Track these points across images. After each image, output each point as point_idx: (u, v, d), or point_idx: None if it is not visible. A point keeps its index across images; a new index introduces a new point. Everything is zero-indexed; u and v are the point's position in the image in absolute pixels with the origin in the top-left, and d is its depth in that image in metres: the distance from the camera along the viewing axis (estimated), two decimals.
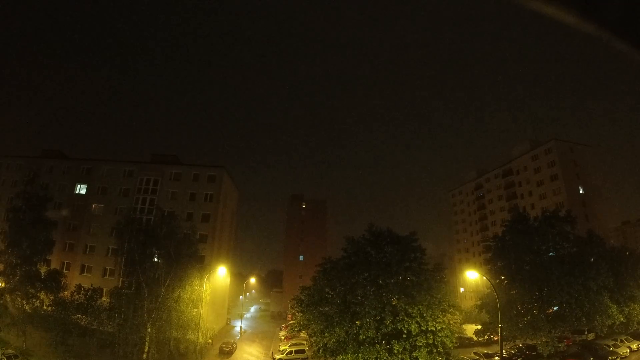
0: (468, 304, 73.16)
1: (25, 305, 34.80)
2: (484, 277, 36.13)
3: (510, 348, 38.34)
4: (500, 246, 40.55)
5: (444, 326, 27.41)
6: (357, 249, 31.06)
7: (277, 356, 41.16)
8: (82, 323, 38.01)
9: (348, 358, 26.96)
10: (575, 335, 40.42)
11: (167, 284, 35.06)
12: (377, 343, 27.40)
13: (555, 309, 36.38)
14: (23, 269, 35.58)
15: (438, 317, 27.43)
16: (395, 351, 26.27)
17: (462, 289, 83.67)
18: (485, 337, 41.74)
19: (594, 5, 2.38)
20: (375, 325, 27.24)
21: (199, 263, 42.30)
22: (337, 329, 27.81)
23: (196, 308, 37.19)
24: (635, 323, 41.14)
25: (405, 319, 26.64)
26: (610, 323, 37.09)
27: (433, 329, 26.69)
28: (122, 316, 34.67)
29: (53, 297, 36.84)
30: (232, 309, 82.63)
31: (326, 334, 28.33)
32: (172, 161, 59.58)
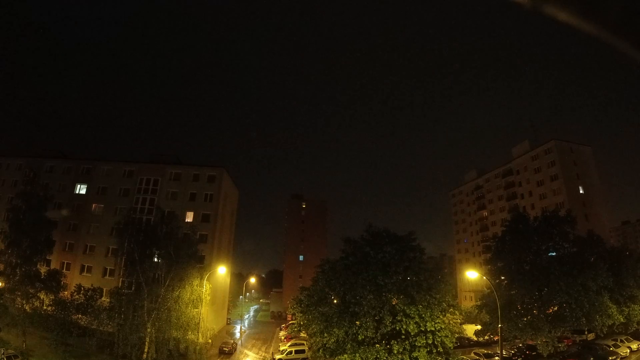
0: (468, 304, 73.15)
1: (25, 305, 34.74)
2: (484, 277, 36.14)
3: (510, 348, 38.33)
4: (500, 246, 40.53)
5: (443, 326, 27.35)
6: (355, 249, 31.02)
7: (277, 356, 41.16)
8: (82, 323, 38.00)
9: (347, 358, 26.94)
10: (575, 335, 40.42)
11: (167, 284, 35.02)
12: (377, 343, 27.39)
13: (555, 309, 36.37)
14: (23, 269, 35.51)
15: (437, 317, 27.37)
16: (395, 351, 26.24)
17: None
18: (486, 337, 41.71)
19: (594, 5, 2.38)
20: (374, 325, 27.23)
21: (199, 263, 42.27)
22: (336, 330, 27.80)
23: (196, 308, 37.13)
24: (635, 323, 41.11)
25: (404, 319, 26.61)
26: (610, 323, 37.04)
27: (432, 329, 26.64)
28: (122, 316, 34.58)
29: (53, 297, 36.83)
30: (232, 309, 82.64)
31: (325, 334, 28.32)
32: (172, 161, 59.56)
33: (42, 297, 36.15)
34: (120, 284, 41.26)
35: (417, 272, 29.13)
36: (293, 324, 39.58)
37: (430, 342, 26.37)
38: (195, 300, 36.96)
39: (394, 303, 27.93)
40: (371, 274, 28.71)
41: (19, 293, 35.00)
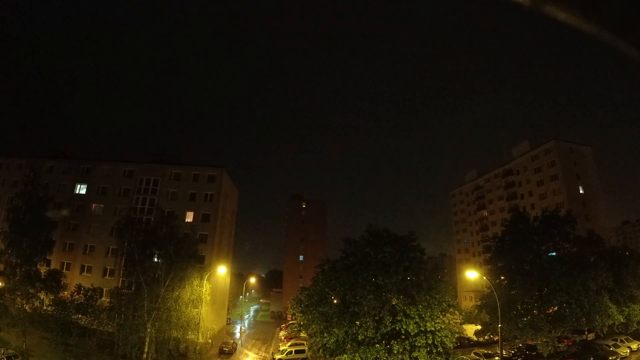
0: (468, 304, 73.16)
1: (25, 305, 34.72)
2: (484, 277, 36.16)
3: (510, 348, 38.32)
4: (500, 246, 40.53)
5: (443, 326, 27.36)
6: (355, 249, 31.02)
7: (277, 356, 41.15)
8: (82, 323, 37.97)
9: (347, 358, 26.93)
10: (575, 335, 40.42)
11: (167, 284, 35.01)
12: (377, 343, 27.38)
13: (555, 309, 36.37)
14: (23, 269, 35.52)
15: (437, 317, 27.37)
16: (395, 351, 26.24)
17: None
18: (486, 337, 41.70)
19: (594, 5, 2.38)
20: (374, 325, 27.22)
21: (199, 263, 42.25)
22: (336, 330, 27.79)
23: (196, 308, 37.13)
24: (635, 323, 41.11)
25: (404, 319, 26.61)
26: (610, 323, 37.06)
27: (432, 329, 26.64)
28: (122, 316, 34.59)
29: (53, 297, 36.81)
30: (232, 309, 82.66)
31: (325, 334, 28.31)
32: (172, 161, 59.53)
33: (42, 297, 36.14)
34: (120, 284, 41.28)
35: (417, 272, 29.12)
36: (293, 324, 39.61)
37: (430, 342, 26.37)
38: (195, 300, 36.96)
39: (394, 303, 27.91)
40: (371, 274, 28.69)
41: (19, 293, 34.98)
